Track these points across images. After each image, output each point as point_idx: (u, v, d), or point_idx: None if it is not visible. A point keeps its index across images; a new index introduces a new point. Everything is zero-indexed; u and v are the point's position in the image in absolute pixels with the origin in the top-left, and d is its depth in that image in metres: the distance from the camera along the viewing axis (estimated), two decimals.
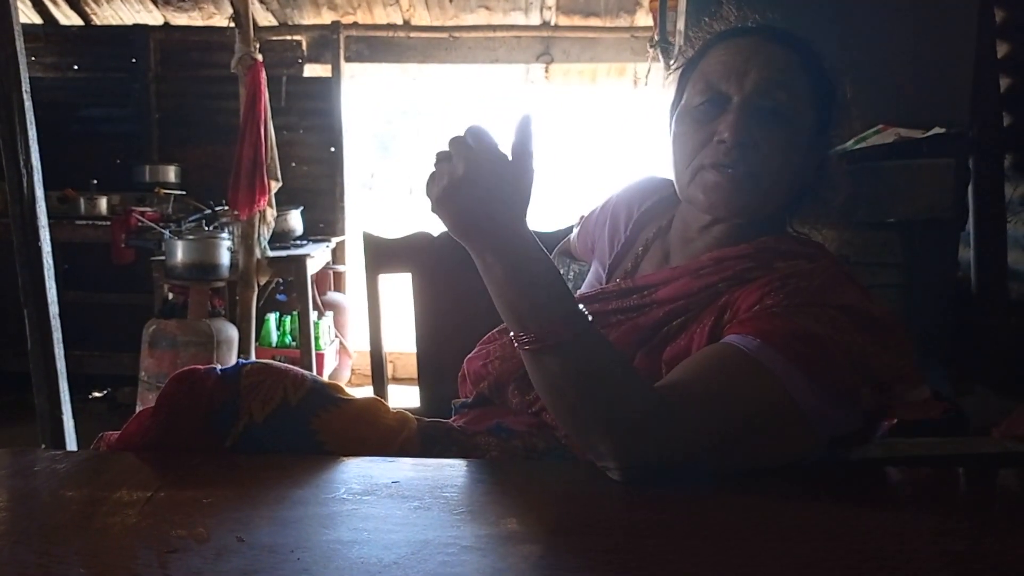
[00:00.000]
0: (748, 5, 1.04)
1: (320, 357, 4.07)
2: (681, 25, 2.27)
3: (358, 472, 0.80)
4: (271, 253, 3.80)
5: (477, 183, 0.76)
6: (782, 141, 0.92)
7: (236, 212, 3.57)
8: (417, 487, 0.75)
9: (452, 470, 0.82)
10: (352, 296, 4.77)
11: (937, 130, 1.72)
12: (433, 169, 0.79)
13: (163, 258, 3.66)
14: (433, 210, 0.79)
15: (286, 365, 0.91)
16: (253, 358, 3.72)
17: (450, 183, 0.76)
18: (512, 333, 0.80)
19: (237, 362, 0.90)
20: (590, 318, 0.80)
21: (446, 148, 0.79)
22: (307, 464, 0.81)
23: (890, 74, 1.85)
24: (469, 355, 1.11)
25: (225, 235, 3.67)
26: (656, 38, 2.77)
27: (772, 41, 0.96)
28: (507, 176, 0.77)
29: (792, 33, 0.98)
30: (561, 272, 1.37)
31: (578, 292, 1.15)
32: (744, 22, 1.01)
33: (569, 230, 1.42)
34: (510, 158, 0.77)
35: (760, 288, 0.89)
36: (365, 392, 2.02)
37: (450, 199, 0.77)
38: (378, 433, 0.89)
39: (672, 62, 2.55)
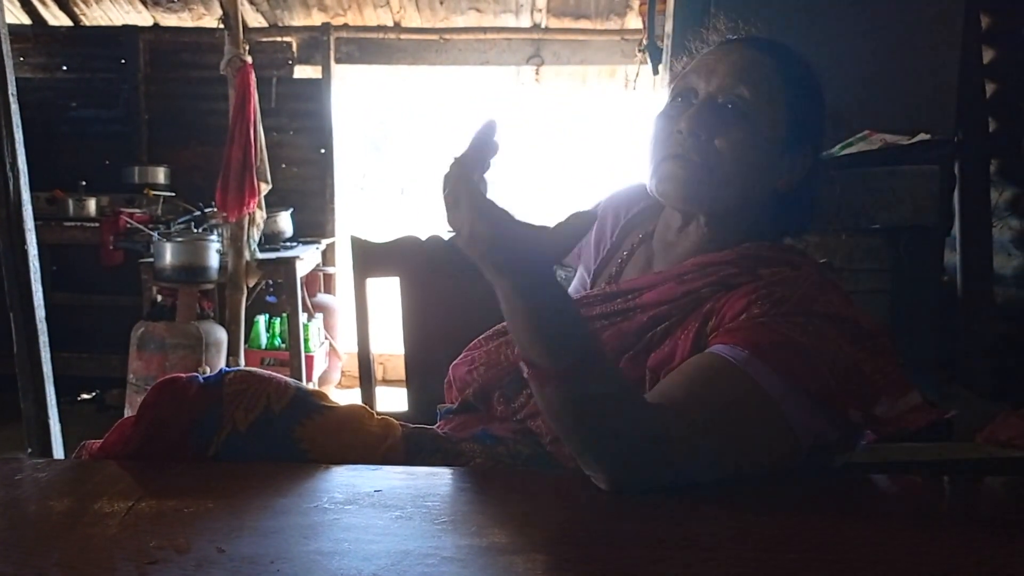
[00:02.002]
0: (736, 14, 1.05)
1: (310, 359, 4.07)
2: (669, 28, 2.28)
3: (341, 481, 0.80)
4: (260, 255, 3.79)
5: (485, 241, 0.72)
6: (739, 135, 0.93)
7: (225, 214, 3.56)
8: (399, 496, 0.75)
9: (435, 479, 0.82)
10: (342, 298, 4.76)
11: (922, 136, 1.73)
12: (445, 197, 0.76)
13: (152, 260, 3.65)
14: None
15: (269, 372, 0.91)
16: (242, 360, 3.72)
17: (466, 237, 0.73)
18: (517, 353, 0.79)
19: (220, 370, 0.90)
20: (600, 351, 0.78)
21: (451, 188, 0.74)
22: (290, 473, 0.81)
23: (876, 80, 1.86)
24: (455, 361, 1.11)
25: (214, 237, 3.66)
26: (645, 41, 2.77)
27: (752, 47, 0.98)
28: (522, 239, 0.73)
29: (779, 43, 0.99)
30: None
31: None
32: (737, 33, 1.03)
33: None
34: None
35: (745, 296, 0.89)
36: (354, 394, 2.02)
37: (465, 246, 0.74)
38: (362, 441, 0.89)
39: (661, 66, 2.56)
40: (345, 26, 4.86)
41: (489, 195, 0.74)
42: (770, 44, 0.99)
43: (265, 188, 3.69)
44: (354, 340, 1.62)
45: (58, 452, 2.50)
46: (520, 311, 0.75)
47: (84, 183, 4.37)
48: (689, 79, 0.98)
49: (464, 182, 0.73)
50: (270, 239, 4.12)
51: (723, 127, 0.93)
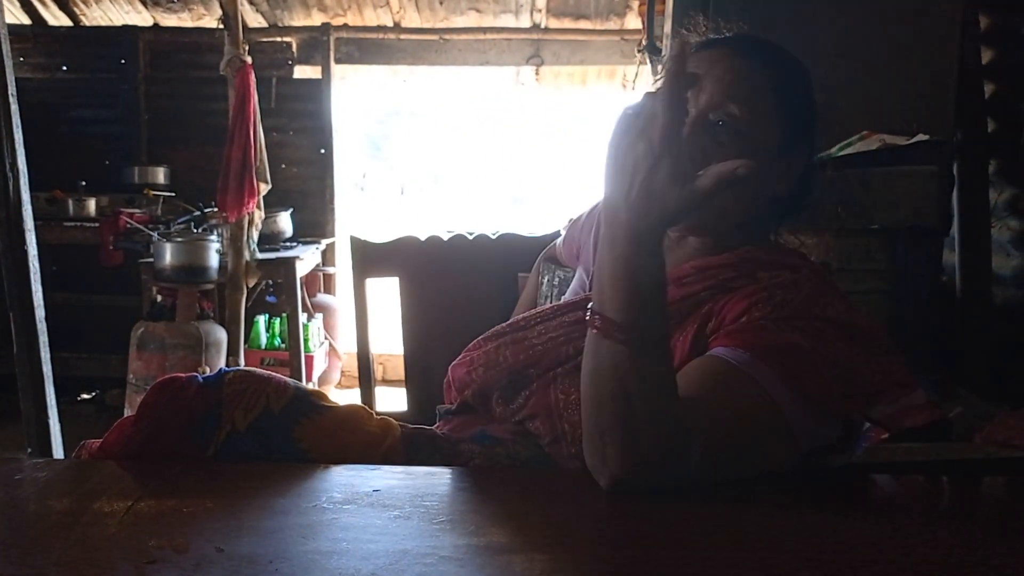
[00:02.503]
0: (731, 16, 1.05)
1: (309, 359, 4.07)
2: (668, 29, 2.29)
3: (340, 481, 0.80)
4: (260, 255, 3.79)
5: (667, 210, 0.73)
6: (732, 154, 0.92)
7: (225, 214, 3.57)
8: (398, 496, 0.76)
9: (434, 478, 0.82)
10: (342, 298, 4.77)
11: (921, 137, 1.73)
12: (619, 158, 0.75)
13: (152, 260, 3.65)
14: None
15: (269, 372, 0.91)
16: (242, 360, 3.72)
17: (644, 185, 0.73)
18: (591, 306, 0.79)
19: (219, 370, 0.90)
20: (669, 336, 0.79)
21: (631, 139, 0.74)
22: (289, 473, 0.81)
23: (874, 80, 1.86)
24: (454, 362, 1.11)
25: (214, 237, 3.66)
26: (644, 42, 2.77)
27: (736, 53, 0.96)
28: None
29: (762, 43, 0.98)
30: (545, 278, 1.38)
31: (562, 298, 1.16)
32: (719, 33, 1.02)
33: (556, 235, 1.43)
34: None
35: (746, 299, 0.89)
36: (354, 394, 2.02)
37: (634, 212, 0.74)
38: (361, 440, 0.89)
39: (660, 67, 2.56)
40: (345, 26, 4.87)
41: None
42: (755, 47, 0.97)
43: (265, 188, 3.70)
44: (354, 340, 1.62)
45: (58, 452, 2.51)
46: (624, 261, 0.75)
47: (84, 183, 4.38)
48: None
49: (672, 135, 0.72)
50: (270, 239, 4.12)
51: (717, 148, 0.92)
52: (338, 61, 4.89)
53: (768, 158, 0.95)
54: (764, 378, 0.80)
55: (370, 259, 1.62)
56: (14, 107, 2.37)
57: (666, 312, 0.79)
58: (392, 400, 1.65)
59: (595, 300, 0.79)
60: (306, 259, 4.18)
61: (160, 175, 4.58)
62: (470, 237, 1.64)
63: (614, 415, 0.76)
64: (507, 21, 4.80)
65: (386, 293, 1.68)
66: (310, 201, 4.80)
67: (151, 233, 3.83)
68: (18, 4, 4.71)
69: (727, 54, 0.96)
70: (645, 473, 0.76)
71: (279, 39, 4.86)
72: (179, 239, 3.59)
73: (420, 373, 1.55)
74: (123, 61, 4.78)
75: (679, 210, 0.73)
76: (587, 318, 0.79)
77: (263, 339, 4.24)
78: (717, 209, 0.93)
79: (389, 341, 3.57)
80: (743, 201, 0.95)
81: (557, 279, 1.36)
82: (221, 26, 3.61)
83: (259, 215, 3.70)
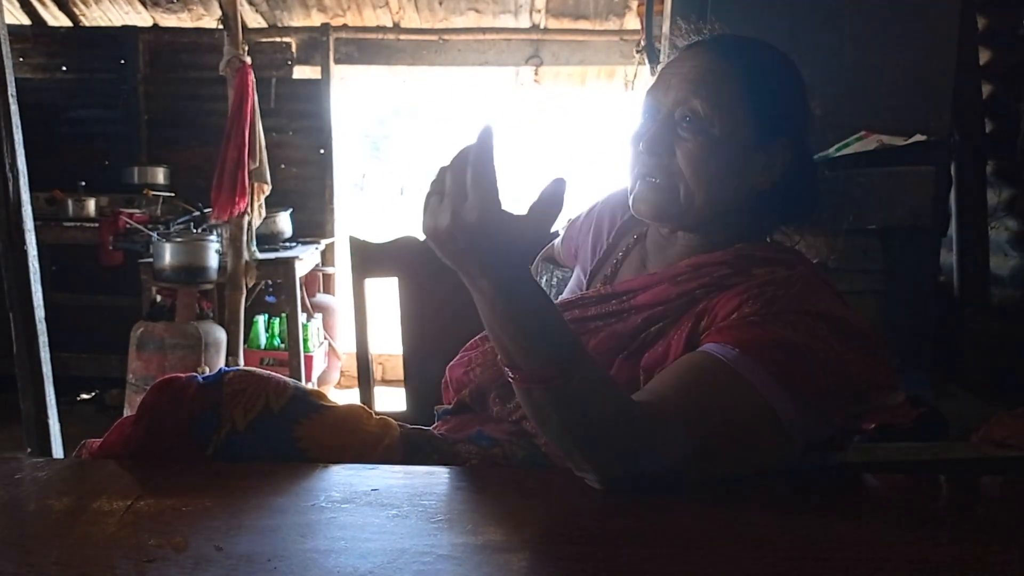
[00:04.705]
0: (736, 15, 1.05)
1: (309, 359, 4.07)
2: (666, 29, 2.29)
3: (338, 480, 0.80)
4: (260, 255, 3.79)
5: (470, 230, 0.69)
6: (698, 149, 0.93)
7: (217, 214, 3.56)
8: (396, 495, 0.76)
9: (431, 478, 0.83)
10: (341, 298, 4.77)
11: (919, 137, 1.74)
12: (428, 195, 0.72)
13: (151, 260, 3.65)
14: (428, 240, 0.74)
15: (268, 372, 0.91)
16: (241, 360, 3.72)
17: (448, 227, 0.69)
18: (500, 359, 0.78)
19: (219, 369, 0.90)
20: (583, 355, 0.76)
21: (441, 176, 0.71)
22: (288, 472, 0.81)
23: (872, 81, 1.86)
24: (451, 362, 1.11)
25: (213, 237, 3.66)
26: (643, 42, 2.78)
27: (707, 51, 0.97)
28: (507, 228, 0.69)
29: (736, 40, 0.99)
30: (544, 278, 1.39)
31: (559, 298, 1.16)
32: (700, 35, 1.03)
33: (555, 235, 1.43)
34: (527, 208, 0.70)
35: (738, 295, 0.89)
36: (353, 394, 2.02)
37: (443, 243, 0.71)
38: (360, 440, 0.90)
39: (659, 67, 2.56)
40: (344, 27, 4.87)
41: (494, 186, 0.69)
42: (729, 44, 0.98)
43: (266, 190, 3.70)
44: (353, 340, 1.62)
45: (57, 452, 2.51)
46: (502, 312, 0.73)
47: (83, 183, 4.37)
48: (653, 94, 0.98)
49: (469, 167, 0.68)
50: (269, 239, 4.12)
51: (682, 143, 0.93)
52: (337, 61, 4.89)
53: (739, 151, 0.95)
54: (753, 374, 0.80)
55: (369, 259, 1.62)
56: (14, 107, 2.37)
57: (564, 326, 0.77)
58: (391, 400, 1.66)
59: (500, 355, 0.76)
60: (305, 259, 4.18)
61: (160, 175, 4.58)
62: None
63: (572, 440, 0.77)
64: (506, 21, 4.81)
65: (385, 293, 1.68)
66: (309, 201, 4.80)
67: (151, 233, 3.83)
68: (18, 4, 4.71)
69: (697, 52, 0.98)
70: (623, 473, 0.77)
71: (278, 39, 4.86)
72: (179, 239, 3.59)
73: (419, 373, 1.55)
74: (123, 61, 4.78)
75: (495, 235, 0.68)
76: (506, 374, 0.77)
77: (262, 339, 4.24)
78: (687, 200, 0.94)
79: (388, 341, 3.57)
80: (718, 194, 0.95)
81: (555, 279, 1.37)
82: (220, 26, 3.61)
83: (258, 215, 3.69)
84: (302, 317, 4.01)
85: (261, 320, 4.25)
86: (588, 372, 0.76)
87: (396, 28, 4.88)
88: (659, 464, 0.77)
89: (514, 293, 0.73)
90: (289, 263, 3.94)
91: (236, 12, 3.52)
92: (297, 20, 4.85)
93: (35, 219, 2.50)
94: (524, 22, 4.82)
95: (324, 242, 4.74)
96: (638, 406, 0.79)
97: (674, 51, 1.03)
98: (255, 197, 3.63)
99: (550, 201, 0.70)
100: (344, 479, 0.80)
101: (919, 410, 0.89)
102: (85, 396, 4.23)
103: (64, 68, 4.82)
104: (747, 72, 0.95)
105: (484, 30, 4.85)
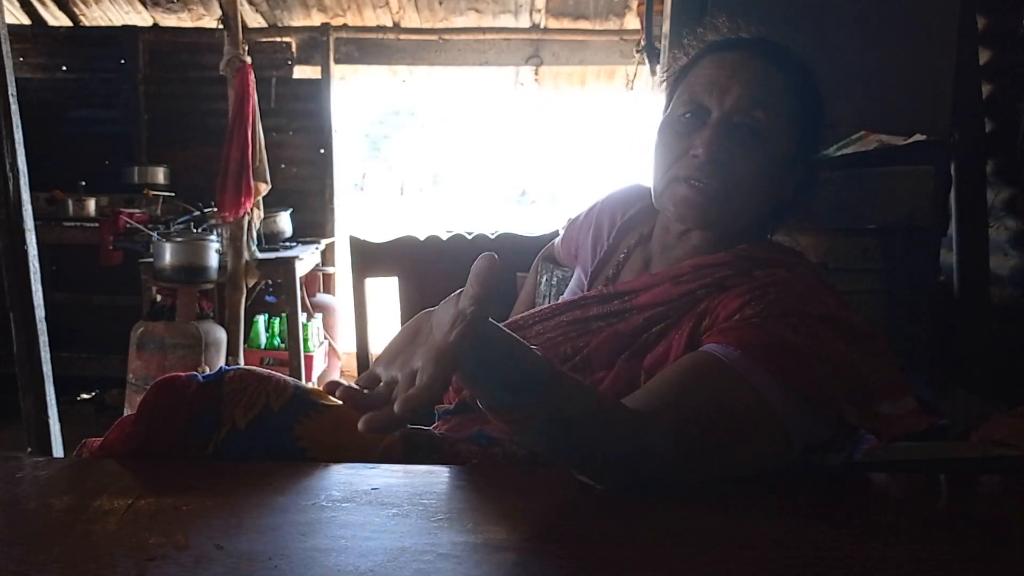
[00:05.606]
0: (736, 14, 1.05)
1: (309, 359, 4.07)
2: (667, 29, 2.29)
3: (338, 479, 0.80)
4: (260, 255, 3.80)
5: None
6: (757, 159, 0.94)
7: (224, 214, 3.57)
8: (396, 494, 0.76)
9: (432, 477, 0.83)
10: (342, 298, 4.77)
11: (918, 137, 1.74)
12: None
13: (151, 260, 3.65)
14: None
15: (269, 371, 0.91)
16: (241, 360, 3.73)
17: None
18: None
19: (219, 368, 0.90)
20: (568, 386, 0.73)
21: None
22: (288, 471, 0.81)
23: (871, 81, 1.86)
24: None
25: (214, 237, 3.67)
26: (643, 42, 2.78)
27: (759, 57, 0.96)
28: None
29: (782, 49, 0.99)
30: (544, 278, 1.39)
31: (560, 298, 1.16)
32: (737, 33, 1.02)
33: (554, 235, 1.43)
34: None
35: (740, 296, 0.90)
36: None
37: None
38: (360, 439, 0.90)
39: (659, 66, 2.56)
40: (344, 26, 4.87)
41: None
42: (776, 52, 0.98)
43: (264, 189, 3.70)
44: (353, 340, 1.63)
45: (58, 452, 2.51)
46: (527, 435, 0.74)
47: (84, 183, 4.38)
48: (698, 93, 0.96)
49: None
50: (269, 239, 4.13)
51: (742, 152, 0.93)
52: (337, 61, 4.90)
53: (784, 165, 0.96)
54: (753, 375, 0.80)
55: (369, 259, 1.62)
56: (14, 107, 2.37)
57: (539, 358, 0.70)
58: None
59: (483, 404, 0.71)
60: (305, 259, 4.19)
61: (160, 175, 4.58)
62: (469, 237, 1.65)
63: (572, 460, 0.78)
64: (506, 21, 4.81)
65: (385, 293, 1.68)
66: (310, 201, 4.80)
67: (151, 233, 3.83)
68: (18, 4, 4.71)
69: (749, 56, 0.97)
70: (627, 481, 0.77)
71: (278, 39, 4.86)
72: (179, 239, 3.60)
73: None
74: (123, 61, 4.78)
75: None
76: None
77: (263, 339, 4.24)
78: (733, 209, 0.94)
79: (388, 341, 3.57)
80: (760, 206, 0.97)
81: (556, 279, 1.37)
82: (221, 26, 3.62)
83: (258, 215, 3.70)
84: (302, 317, 4.02)
85: (261, 320, 4.25)
86: (573, 394, 0.73)
87: (396, 28, 4.88)
88: (657, 469, 0.77)
89: (527, 426, 0.72)
90: (289, 263, 3.94)
91: (236, 12, 3.52)
92: (297, 20, 4.86)
93: (35, 219, 2.50)
94: (524, 22, 4.82)
95: (324, 242, 4.74)
96: (633, 414, 0.77)
97: (702, 42, 1.02)
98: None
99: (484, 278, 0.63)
100: (344, 478, 0.80)
101: (936, 420, 0.88)
102: (85, 396, 4.24)
103: (64, 68, 4.82)
104: (800, 89, 0.96)
105: (484, 30, 4.86)
